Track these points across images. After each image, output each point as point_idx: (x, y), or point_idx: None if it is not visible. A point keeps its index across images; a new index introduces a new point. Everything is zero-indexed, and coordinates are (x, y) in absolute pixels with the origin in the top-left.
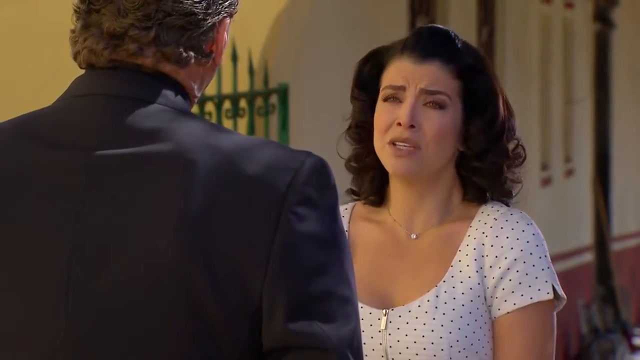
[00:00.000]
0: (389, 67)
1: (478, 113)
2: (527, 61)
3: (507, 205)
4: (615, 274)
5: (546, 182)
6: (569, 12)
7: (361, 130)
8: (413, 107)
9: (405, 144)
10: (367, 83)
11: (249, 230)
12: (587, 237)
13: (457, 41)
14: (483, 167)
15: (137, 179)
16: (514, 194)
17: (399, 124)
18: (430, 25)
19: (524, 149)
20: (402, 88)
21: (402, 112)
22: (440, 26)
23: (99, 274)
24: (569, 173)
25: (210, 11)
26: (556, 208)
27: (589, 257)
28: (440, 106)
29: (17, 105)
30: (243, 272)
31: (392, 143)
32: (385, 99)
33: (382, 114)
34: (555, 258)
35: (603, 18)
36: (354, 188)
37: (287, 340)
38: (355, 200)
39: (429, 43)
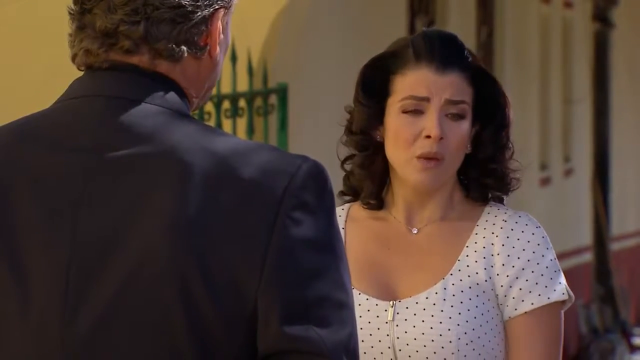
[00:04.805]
0: (406, 77)
1: (488, 117)
2: (526, 61)
3: (501, 201)
4: (614, 273)
5: (545, 181)
6: (568, 12)
7: (368, 137)
8: (440, 118)
9: (434, 158)
10: (373, 89)
11: (244, 234)
12: (586, 236)
13: (464, 47)
14: (497, 169)
15: (134, 181)
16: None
17: (428, 137)
18: (434, 29)
19: (510, 142)
20: (427, 99)
21: (430, 124)
22: (444, 30)
23: (97, 278)
24: (568, 173)
25: (199, 3)
26: (555, 208)
27: (588, 256)
28: (460, 116)
29: (17, 105)
30: (238, 275)
31: (421, 157)
32: (405, 111)
33: (405, 126)
34: None
35: (602, 18)
36: (348, 190)
37: (283, 345)
38: (348, 201)
39: (446, 52)
